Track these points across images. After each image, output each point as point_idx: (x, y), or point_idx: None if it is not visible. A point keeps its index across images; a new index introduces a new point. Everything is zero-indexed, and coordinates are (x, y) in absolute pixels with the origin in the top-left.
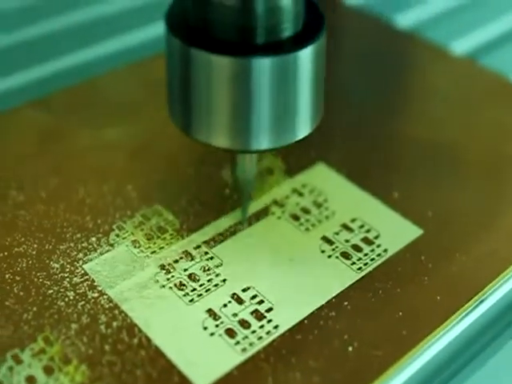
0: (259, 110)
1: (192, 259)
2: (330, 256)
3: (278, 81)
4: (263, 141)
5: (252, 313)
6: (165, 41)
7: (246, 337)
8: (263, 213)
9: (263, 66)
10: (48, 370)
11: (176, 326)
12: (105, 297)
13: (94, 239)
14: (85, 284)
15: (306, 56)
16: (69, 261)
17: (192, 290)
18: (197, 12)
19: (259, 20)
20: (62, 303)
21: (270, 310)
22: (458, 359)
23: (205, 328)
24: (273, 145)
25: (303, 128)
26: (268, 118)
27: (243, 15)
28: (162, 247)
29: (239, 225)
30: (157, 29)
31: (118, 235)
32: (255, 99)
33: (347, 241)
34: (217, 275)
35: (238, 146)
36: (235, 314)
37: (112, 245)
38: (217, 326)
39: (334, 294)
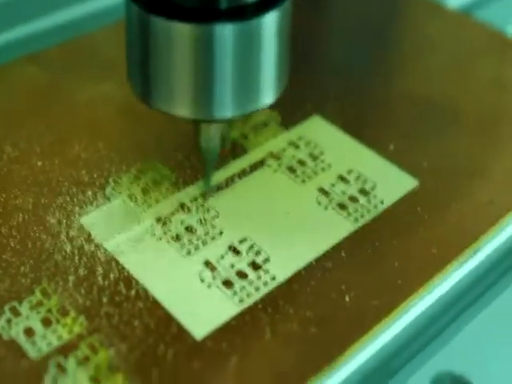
0: (222, 77)
1: (188, 211)
2: (326, 207)
3: (242, 47)
4: (227, 109)
5: (249, 264)
6: (125, 7)
7: (244, 287)
8: (259, 165)
9: (226, 33)
10: (46, 322)
11: (173, 278)
12: (101, 250)
13: (89, 193)
14: (81, 237)
15: (270, 21)
16: (65, 214)
17: (189, 243)
18: None
19: None
20: (59, 256)
21: (266, 260)
22: (453, 308)
23: (202, 280)
24: (236, 113)
25: (267, 96)
26: (231, 87)
27: None
28: (159, 200)
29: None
30: None
31: (113, 189)
32: (218, 67)
33: (343, 192)
34: (213, 227)
35: (201, 116)
36: (232, 265)
37: (108, 198)
38: (214, 277)
39: (330, 245)
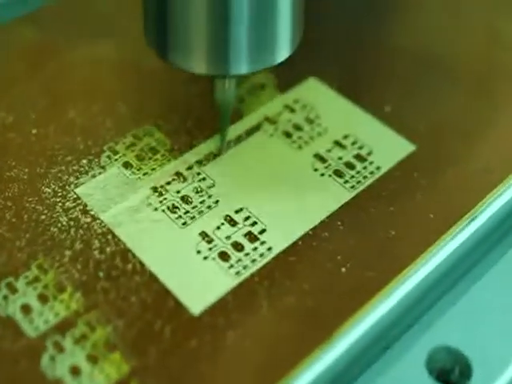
0: (238, 33)
1: (184, 180)
2: (322, 174)
3: (257, 2)
4: (242, 65)
5: (245, 235)
6: None
7: (240, 260)
8: (255, 130)
9: None
10: (43, 298)
11: (170, 250)
12: (98, 221)
13: (85, 161)
14: (77, 209)
15: None
16: (60, 185)
17: (185, 213)
18: None
19: None
20: (55, 229)
21: (263, 231)
22: (449, 277)
23: (198, 252)
24: (252, 69)
25: (283, 51)
26: (247, 42)
27: None
28: (154, 168)
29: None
30: None
31: (109, 157)
32: (233, 22)
33: (340, 158)
34: (209, 196)
35: (217, 72)
36: (228, 237)
37: (103, 167)
38: (210, 249)
39: (327, 214)
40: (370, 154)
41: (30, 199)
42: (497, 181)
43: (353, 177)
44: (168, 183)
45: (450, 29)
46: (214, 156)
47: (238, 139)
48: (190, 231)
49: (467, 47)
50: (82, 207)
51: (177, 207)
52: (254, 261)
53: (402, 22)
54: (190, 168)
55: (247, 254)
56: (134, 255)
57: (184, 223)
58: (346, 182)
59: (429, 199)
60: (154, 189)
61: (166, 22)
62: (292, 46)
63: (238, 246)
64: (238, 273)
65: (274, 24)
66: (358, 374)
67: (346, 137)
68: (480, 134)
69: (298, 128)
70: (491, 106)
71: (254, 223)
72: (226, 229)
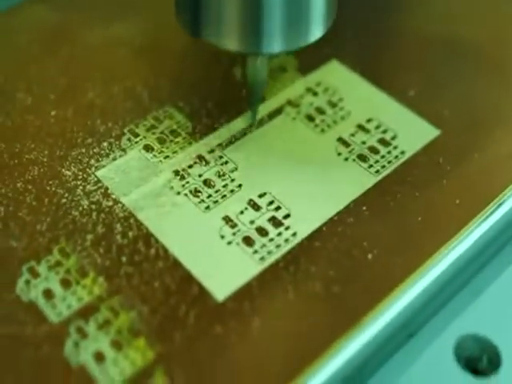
0: (271, 11)
1: (206, 164)
2: (346, 159)
3: None
4: (275, 43)
5: (269, 220)
6: None
7: (264, 245)
8: (277, 113)
9: None
10: (65, 283)
11: (193, 235)
12: (119, 205)
13: (105, 144)
14: (98, 192)
15: None
16: (81, 167)
17: (208, 197)
18: None
19: None
20: (76, 213)
21: (287, 216)
22: (476, 263)
23: (222, 236)
24: (284, 48)
25: (315, 31)
26: (280, 21)
27: None
28: (176, 151)
29: (249, 127)
30: None
31: (129, 139)
32: (266, 1)
33: (363, 142)
34: (232, 180)
35: (250, 49)
36: (252, 222)
37: (124, 150)
38: (234, 234)
39: (351, 199)
40: (394, 138)
41: (51, 182)
42: None
43: (377, 161)
44: (190, 166)
45: (472, 13)
46: (235, 139)
47: (261, 122)
48: (213, 215)
49: (492, 33)
50: (103, 190)
51: (199, 191)
52: (278, 246)
53: (426, 6)
54: (211, 151)
55: (271, 240)
56: (156, 240)
57: (207, 207)
58: (371, 166)
59: (454, 185)
60: (176, 172)
61: (199, 4)
62: (325, 25)
63: (262, 231)
64: (262, 258)
65: (308, 3)
66: (383, 361)
67: (369, 120)
68: (505, 117)
69: (320, 111)
70: None
71: (278, 208)
72: (250, 213)
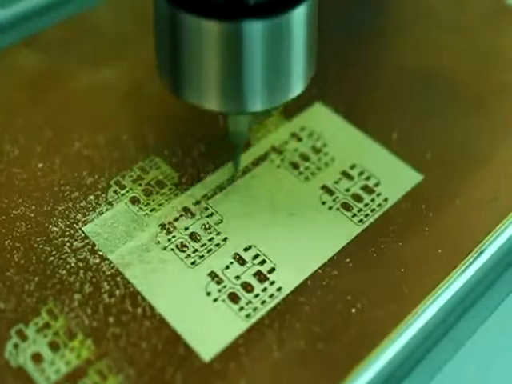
0: (251, 72)
1: (192, 216)
2: (330, 208)
3: (271, 42)
4: (257, 102)
5: (255, 274)
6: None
7: (250, 301)
8: (262, 160)
9: (255, 30)
10: (54, 346)
11: (179, 292)
12: (106, 262)
13: (92, 197)
14: (85, 249)
15: (299, 15)
16: (68, 223)
17: (194, 251)
18: None
19: None
20: (64, 271)
21: (272, 270)
22: (458, 310)
23: (208, 293)
24: (266, 106)
25: (297, 86)
26: (261, 80)
27: None
28: (162, 204)
29: (233, 177)
30: None
31: (116, 192)
32: (247, 62)
33: (347, 190)
34: (218, 233)
35: (232, 109)
36: (238, 277)
37: (111, 203)
38: (220, 290)
39: (336, 251)
40: (377, 184)
41: (38, 239)
42: (505, 211)
43: (361, 210)
44: (176, 219)
45: (453, 46)
46: (221, 189)
47: (246, 170)
48: (199, 271)
49: (471, 66)
50: (90, 247)
51: (185, 245)
52: (263, 302)
53: (405, 39)
54: (197, 203)
55: (257, 295)
56: (143, 298)
57: (193, 262)
58: (354, 215)
59: (437, 233)
60: (162, 226)
61: (178, 63)
62: (306, 79)
63: (247, 287)
64: (248, 315)
65: (288, 62)
66: None
67: (353, 167)
68: (487, 158)
69: (305, 158)
70: (498, 127)
71: (263, 262)
72: (235, 268)
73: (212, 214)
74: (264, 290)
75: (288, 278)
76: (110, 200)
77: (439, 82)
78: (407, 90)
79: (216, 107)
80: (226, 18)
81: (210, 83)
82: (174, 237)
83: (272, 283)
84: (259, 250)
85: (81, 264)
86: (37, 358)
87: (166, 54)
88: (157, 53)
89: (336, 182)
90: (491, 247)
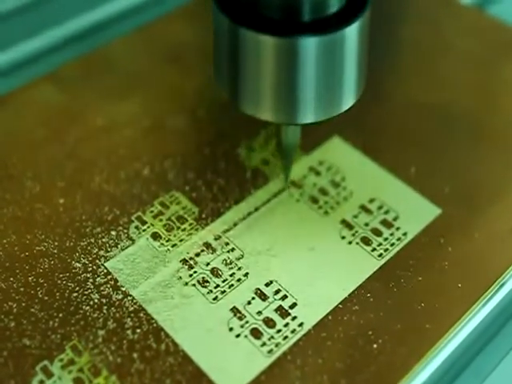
0: (305, 85)
1: (213, 252)
2: (350, 242)
3: (325, 58)
4: (309, 115)
5: (276, 310)
6: (212, 14)
7: (272, 337)
8: (281, 195)
9: (310, 45)
10: (78, 383)
11: (202, 327)
12: (129, 298)
13: (113, 233)
14: (108, 285)
15: (352, 32)
16: (90, 259)
17: (215, 287)
18: None
19: None
20: (87, 307)
21: (293, 305)
22: (479, 343)
23: (230, 329)
24: (318, 117)
25: (347, 101)
26: (314, 94)
27: None
28: (183, 239)
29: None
30: None
31: (137, 227)
32: (301, 76)
33: (366, 224)
34: (239, 268)
35: (286, 120)
36: (259, 312)
37: (132, 239)
38: (242, 326)
39: (356, 285)
40: (396, 219)
41: (61, 275)
42: None
43: (380, 244)
44: (197, 255)
45: (471, 81)
46: (241, 223)
47: (265, 204)
48: (221, 307)
49: (489, 101)
50: (112, 283)
51: (207, 281)
52: (285, 338)
53: (421, 69)
54: (218, 238)
55: (279, 331)
56: (167, 334)
57: (215, 298)
58: (374, 249)
59: (456, 267)
60: (184, 261)
61: (236, 75)
62: (357, 93)
63: (269, 322)
64: (270, 351)
65: (341, 77)
66: None
67: (371, 201)
68: (505, 193)
69: (324, 192)
70: None
71: (285, 297)
72: (257, 303)
73: (233, 249)
74: (286, 325)
75: (309, 313)
76: (132, 236)
77: (456, 117)
78: (424, 125)
79: (271, 118)
80: (282, 34)
81: (265, 95)
82: (195, 272)
83: (294, 318)
84: (280, 285)
85: (104, 300)
86: None
87: (224, 66)
88: (214, 64)
89: (355, 216)
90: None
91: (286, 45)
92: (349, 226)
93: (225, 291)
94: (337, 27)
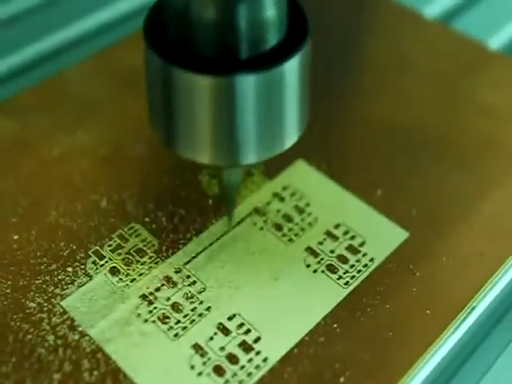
0: (244, 125)
1: (174, 286)
2: (315, 271)
3: (264, 95)
4: (250, 156)
5: (240, 345)
6: (144, 52)
7: (235, 374)
8: (245, 223)
9: (248, 83)
10: None
11: (162, 367)
12: (86, 338)
13: (70, 269)
14: (64, 325)
15: (291, 67)
16: (46, 297)
17: (176, 323)
18: (176, 27)
19: (242, 35)
20: (42, 349)
21: (257, 339)
22: (450, 370)
23: (192, 367)
24: (260, 158)
25: (290, 138)
26: (254, 133)
27: (225, 31)
28: (142, 273)
29: (216, 240)
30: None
31: (94, 262)
32: (240, 116)
33: (332, 251)
34: (201, 302)
35: (225, 163)
36: (222, 348)
37: (89, 275)
38: (204, 363)
39: (322, 316)
40: (362, 244)
41: (15, 316)
42: (493, 266)
43: (346, 272)
44: (157, 289)
45: (433, 97)
46: (203, 255)
47: (227, 233)
48: (182, 344)
49: (452, 117)
50: (69, 322)
51: (167, 317)
52: (249, 374)
53: (385, 86)
54: (179, 271)
55: (243, 367)
56: (125, 375)
57: (176, 335)
58: (340, 277)
59: (425, 293)
60: (143, 297)
61: (170, 117)
62: (301, 128)
63: (232, 359)
64: None
65: (282, 114)
66: None
67: (337, 226)
68: (472, 213)
69: (288, 219)
70: (481, 181)
71: (248, 331)
72: (220, 339)
73: (194, 282)
74: (250, 360)
75: (274, 348)
76: (89, 271)
77: (421, 135)
78: (389, 146)
79: (209, 161)
80: (218, 72)
81: (203, 137)
82: (155, 308)
83: (258, 353)
84: (244, 318)
85: (60, 341)
86: None
87: (157, 106)
88: (149, 106)
89: (320, 243)
90: (482, 304)
91: (222, 83)
92: (314, 254)
93: (186, 327)
94: (275, 62)
